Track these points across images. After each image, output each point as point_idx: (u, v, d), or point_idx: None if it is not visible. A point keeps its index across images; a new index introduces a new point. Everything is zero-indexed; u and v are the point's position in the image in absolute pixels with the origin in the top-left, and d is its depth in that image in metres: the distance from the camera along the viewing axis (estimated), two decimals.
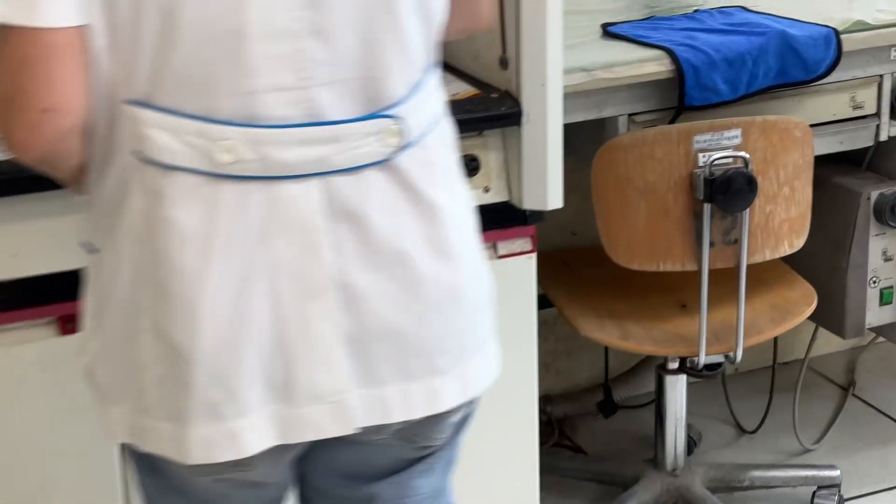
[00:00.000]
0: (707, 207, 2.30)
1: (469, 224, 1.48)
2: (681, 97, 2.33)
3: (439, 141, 1.45)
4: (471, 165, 2.10)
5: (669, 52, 2.33)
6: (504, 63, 2.12)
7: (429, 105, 1.43)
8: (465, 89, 2.16)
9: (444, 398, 1.44)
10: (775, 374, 3.03)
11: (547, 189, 2.12)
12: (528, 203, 2.14)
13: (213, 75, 1.30)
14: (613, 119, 2.38)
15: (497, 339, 1.54)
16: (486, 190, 2.14)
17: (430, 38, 1.42)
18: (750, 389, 3.13)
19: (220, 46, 1.29)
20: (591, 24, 2.52)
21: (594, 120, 2.37)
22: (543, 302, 2.56)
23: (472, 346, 1.47)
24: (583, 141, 2.45)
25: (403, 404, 1.42)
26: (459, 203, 1.46)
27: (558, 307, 2.57)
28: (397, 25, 1.36)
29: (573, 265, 2.72)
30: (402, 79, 1.38)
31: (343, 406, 1.39)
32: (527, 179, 2.12)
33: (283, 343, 1.35)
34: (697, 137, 2.28)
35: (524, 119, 2.09)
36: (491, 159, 2.13)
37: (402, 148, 1.38)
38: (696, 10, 2.57)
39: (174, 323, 1.33)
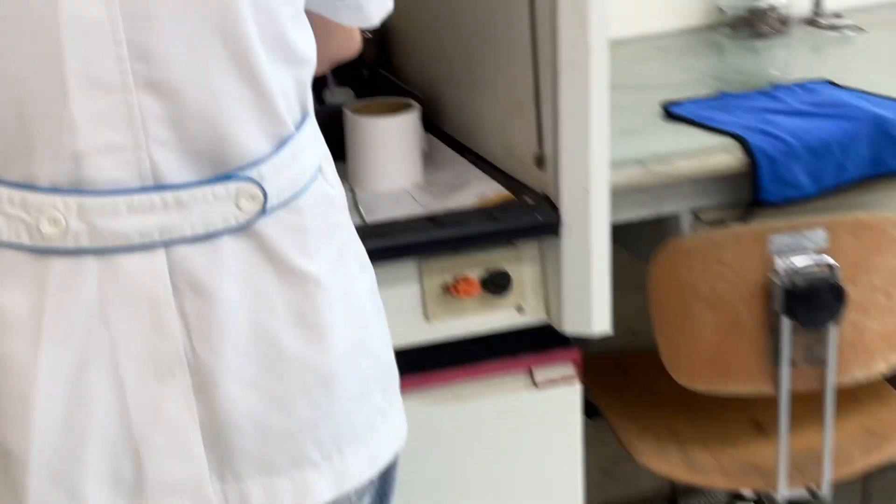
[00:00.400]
0: (786, 321, 1.97)
1: (356, 294, 1.33)
2: (755, 192, 1.99)
3: (317, 201, 1.29)
4: (500, 282, 1.78)
5: (741, 139, 1.99)
6: (540, 161, 1.79)
7: (300, 162, 1.27)
8: (495, 190, 1.84)
9: (315, 492, 1.30)
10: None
11: (591, 311, 1.79)
12: (570, 326, 1.81)
13: (32, 136, 1.17)
14: (674, 216, 2.04)
15: (398, 413, 1.40)
16: (520, 310, 1.81)
17: (301, 85, 1.28)
18: (839, 499, 2.76)
19: (36, 103, 1.16)
20: (650, 101, 2.18)
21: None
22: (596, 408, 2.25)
23: (351, 432, 1.33)
24: (639, 237, 2.13)
25: (267, 501, 1.28)
26: (342, 271, 1.32)
27: (612, 427, 2.23)
28: (253, 75, 1.21)
29: (630, 372, 2.38)
30: (262, 134, 1.23)
31: (202, 499, 1.26)
32: (567, 299, 1.79)
33: (130, 431, 1.23)
34: (774, 239, 1.96)
35: (564, 230, 1.76)
36: (525, 274, 1.81)
37: (265, 212, 1.23)
38: (773, 86, 2.22)
39: (3, 422, 1.21)
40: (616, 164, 1.87)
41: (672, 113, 2.11)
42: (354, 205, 1.84)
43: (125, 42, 1.15)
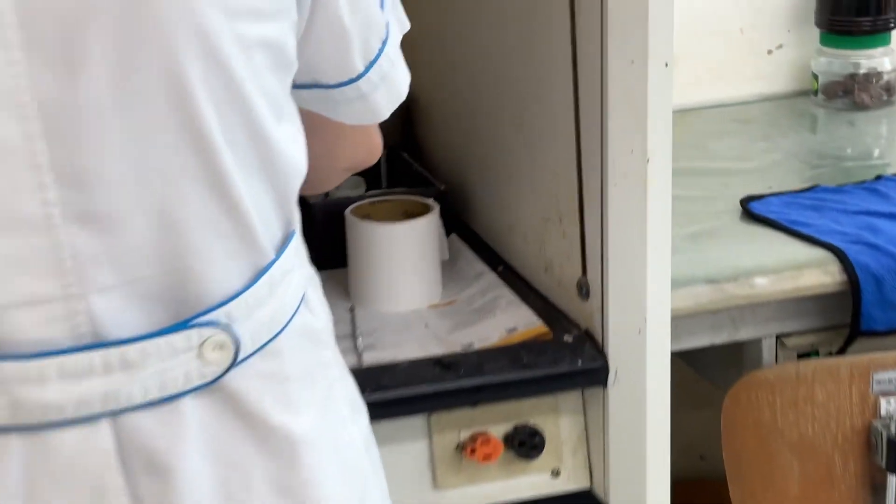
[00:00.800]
0: (891, 479, 1.63)
1: (349, 446, 1.11)
2: (855, 318, 1.62)
3: (299, 339, 1.07)
4: (530, 442, 1.42)
5: (839, 253, 1.61)
6: (584, 290, 1.43)
7: (281, 294, 1.04)
8: (527, 322, 1.48)
9: None
10: None
11: (646, 482, 1.42)
12: (618, 498, 1.45)
13: None
14: (755, 342, 1.67)
15: None
16: (555, 474, 1.45)
17: (285, 198, 1.05)
18: None
19: None
20: (725, 193, 1.80)
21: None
22: None
23: None
24: (710, 358, 1.76)
25: None
26: (332, 419, 1.10)
27: None
28: (220, 192, 0.99)
29: None
30: (233, 265, 1.01)
31: None
32: (615, 465, 1.43)
33: None
34: (879, 376, 1.63)
35: (611, 379, 1.41)
36: (562, 430, 1.45)
37: (236, 363, 1.01)
38: (878, 177, 1.83)
39: None
40: (681, 283, 1.53)
41: (753, 212, 1.73)
42: (352, 332, 1.49)
43: (48, 166, 0.94)
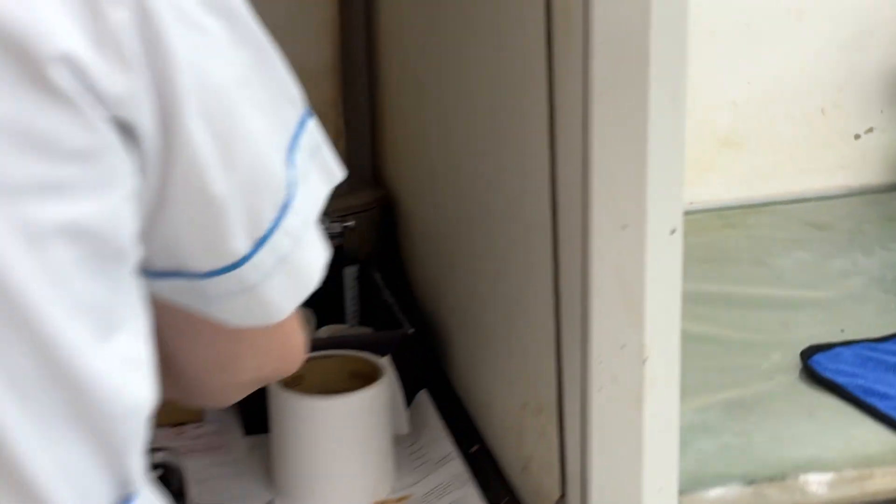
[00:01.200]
0: None
1: None
2: None
3: None
4: None
5: None
6: None
7: None
8: None
9: None
10: None
11: None
12: None
13: None
14: None
15: None
16: None
17: (115, 456, 0.72)
18: None
19: None
20: (786, 337, 1.40)
21: None
22: None
23: None
24: None
25: None
26: None
27: None
28: None
29: None
30: None
31: None
32: None
33: None
34: None
35: None
36: None
37: None
38: None
39: None
40: (709, 481, 1.20)
41: (815, 372, 1.34)
42: None
43: None
